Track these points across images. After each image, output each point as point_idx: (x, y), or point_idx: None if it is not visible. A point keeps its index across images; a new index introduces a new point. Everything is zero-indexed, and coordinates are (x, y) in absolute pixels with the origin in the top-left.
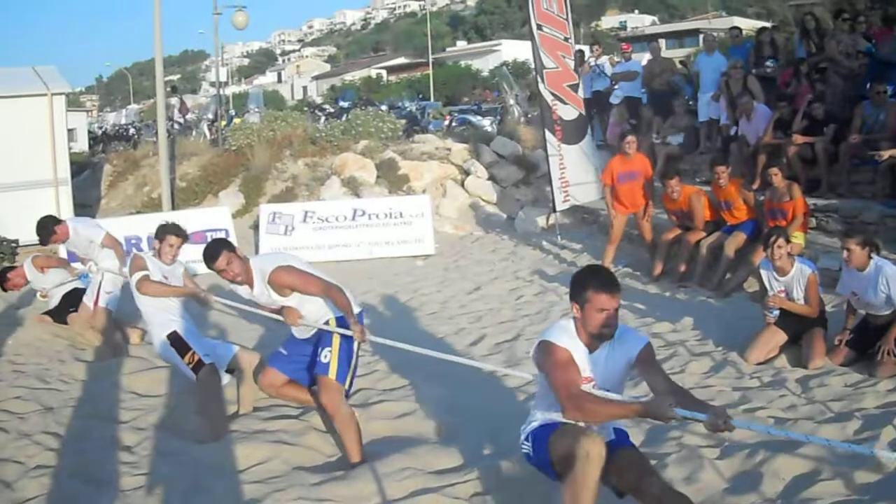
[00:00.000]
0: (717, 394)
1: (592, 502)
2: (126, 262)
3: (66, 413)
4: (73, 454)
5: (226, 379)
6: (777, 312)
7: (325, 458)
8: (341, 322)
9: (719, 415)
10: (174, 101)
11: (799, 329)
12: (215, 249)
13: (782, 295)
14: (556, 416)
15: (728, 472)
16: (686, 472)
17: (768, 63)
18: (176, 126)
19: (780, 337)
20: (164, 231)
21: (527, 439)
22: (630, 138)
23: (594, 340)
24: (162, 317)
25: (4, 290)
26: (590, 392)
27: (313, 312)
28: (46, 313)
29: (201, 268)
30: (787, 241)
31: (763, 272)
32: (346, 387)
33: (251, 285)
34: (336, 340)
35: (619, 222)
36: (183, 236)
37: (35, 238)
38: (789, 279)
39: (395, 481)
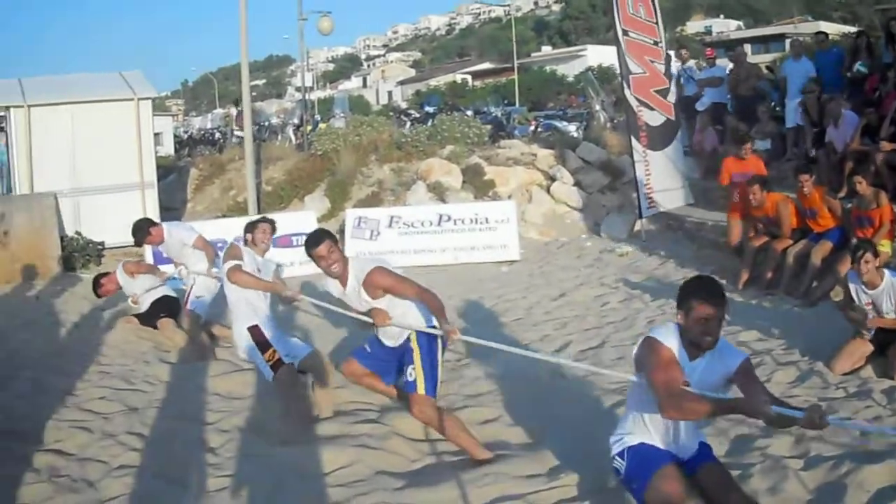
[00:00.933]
0: (803, 403)
1: None
2: (217, 263)
3: (151, 414)
4: (157, 455)
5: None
6: (874, 331)
7: (409, 463)
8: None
9: (815, 412)
10: (233, 112)
11: (886, 340)
12: (319, 236)
13: (869, 307)
14: (651, 430)
15: (812, 483)
16: (770, 482)
17: (858, 66)
18: (234, 139)
19: (867, 347)
20: (254, 222)
21: (621, 456)
22: (747, 145)
23: (694, 349)
24: (246, 310)
25: (98, 296)
26: (688, 390)
27: (402, 316)
28: (135, 316)
29: (291, 270)
30: (875, 255)
31: (851, 285)
32: (435, 395)
33: (344, 283)
34: (417, 356)
35: (735, 227)
36: (272, 223)
37: (121, 240)
38: (879, 292)
39: (477, 487)
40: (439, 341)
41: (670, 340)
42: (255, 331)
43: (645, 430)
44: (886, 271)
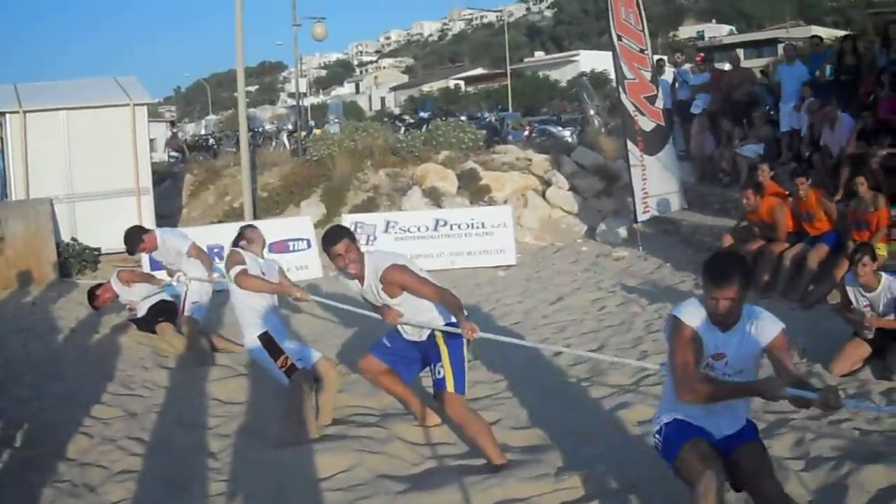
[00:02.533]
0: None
1: None
2: (212, 269)
3: (150, 419)
4: (157, 459)
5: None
6: (873, 331)
7: (410, 466)
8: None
9: (830, 392)
10: (169, 133)
11: (883, 341)
12: (337, 234)
13: (867, 309)
14: (684, 404)
15: (813, 484)
16: None
17: (827, 69)
18: (171, 159)
19: (865, 349)
20: (240, 232)
21: (658, 433)
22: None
23: (720, 323)
24: (254, 317)
25: (95, 307)
26: (703, 374)
27: (417, 313)
28: (131, 321)
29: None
30: (874, 258)
31: (849, 288)
32: (464, 392)
33: (361, 280)
34: (444, 354)
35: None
36: (256, 228)
37: (117, 246)
38: (876, 295)
39: (479, 490)
40: (464, 339)
41: (695, 318)
42: (265, 338)
43: (680, 404)
44: (884, 274)
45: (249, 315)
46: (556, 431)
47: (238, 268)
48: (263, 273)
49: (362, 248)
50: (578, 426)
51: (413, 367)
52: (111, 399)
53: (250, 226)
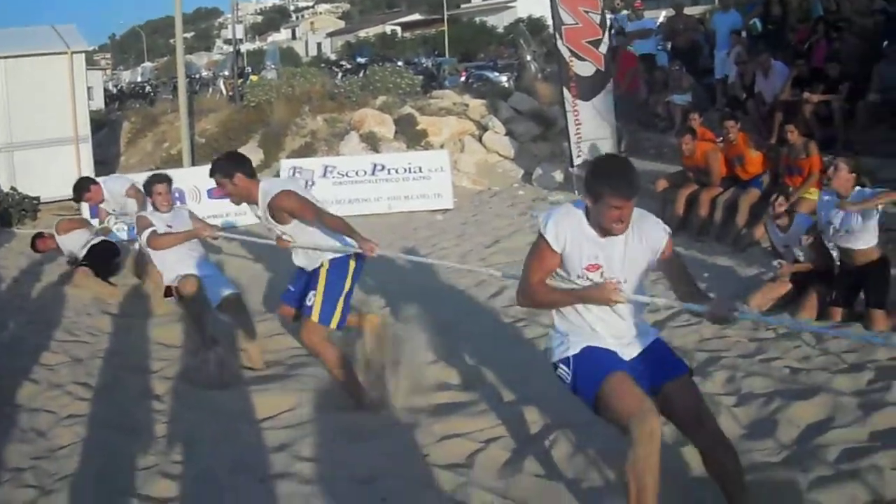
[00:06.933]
0: (734, 344)
1: (657, 483)
2: (145, 205)
3: (96, 364)
4: (104, 404)
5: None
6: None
7: (352, 404)
8: (338, 262)
9: (722, 303)
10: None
11: (805, 281)
12: (215, 168)
13: (786, 250)
14: (587, 322)
15: (745, 419)
16: None
17: (753, 21)
18: None
19: (785, 288)
20: (149, 184)
21: (565, 364)
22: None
23: (605, 231)
24: (168, 273)
25: (38, 250)
26: (544, 282)
27: (310, 239)
28: (71, 264)
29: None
30: (787, 199)
31: (770, 233)
32: (334, 326)
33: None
34: (321, 284)
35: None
36: (166, 180)
37: (56, 195)
38: (789, 235)
39: (421, 428)
40: (350, 277)
41: (568, 228)
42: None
43: (582, 324)
44: (796, 215)
45: (164, 268)
46: (493, 370)
47: (147, 232)
48: (169, 227)
49: (249, 178)
50: (514, 365)
51: None
52: (56, 346)
53: (157, 182)
